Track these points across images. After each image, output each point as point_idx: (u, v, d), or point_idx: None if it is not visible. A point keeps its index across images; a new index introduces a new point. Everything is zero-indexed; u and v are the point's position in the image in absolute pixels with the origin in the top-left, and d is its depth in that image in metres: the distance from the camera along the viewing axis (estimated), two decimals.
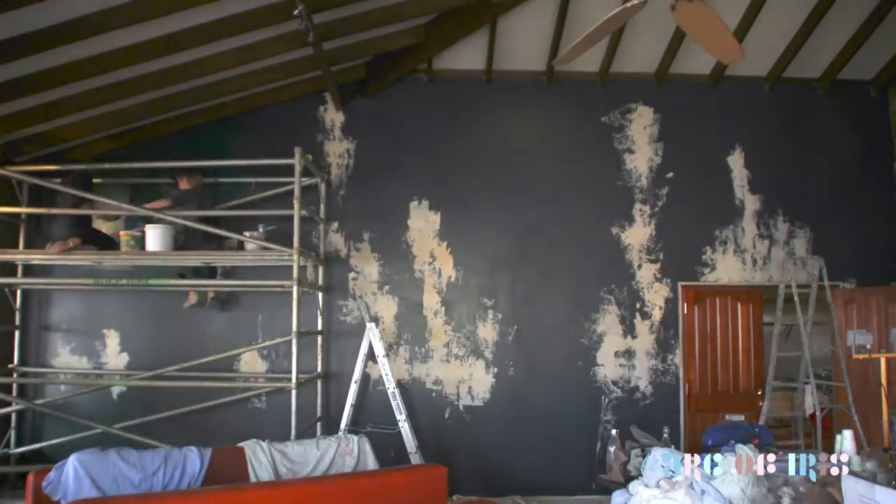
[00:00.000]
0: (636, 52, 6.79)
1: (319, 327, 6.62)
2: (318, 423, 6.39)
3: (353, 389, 6.33)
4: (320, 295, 6.64)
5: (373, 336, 6.25)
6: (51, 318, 6.65)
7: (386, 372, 6.13)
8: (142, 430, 5.97)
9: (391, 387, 6.11)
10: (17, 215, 6.51)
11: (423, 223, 6.90)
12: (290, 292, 5.56)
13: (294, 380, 5.44)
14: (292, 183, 5.78)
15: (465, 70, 7.02)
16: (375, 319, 6.57)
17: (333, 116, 6.96)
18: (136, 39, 5.08)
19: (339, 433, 6.02)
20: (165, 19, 4.87)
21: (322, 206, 6.76)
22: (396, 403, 6.08)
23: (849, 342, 6.09)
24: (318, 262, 6.64)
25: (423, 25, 6.37)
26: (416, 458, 5.99)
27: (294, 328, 5.46)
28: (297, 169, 5.67)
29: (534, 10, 6.29)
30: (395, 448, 6.18)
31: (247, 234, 6.07)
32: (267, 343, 6.09)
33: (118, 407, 6.44)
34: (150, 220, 5.93)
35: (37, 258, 6.13)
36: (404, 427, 6.06)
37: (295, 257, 5.57)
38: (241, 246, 6.20)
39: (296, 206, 5.61)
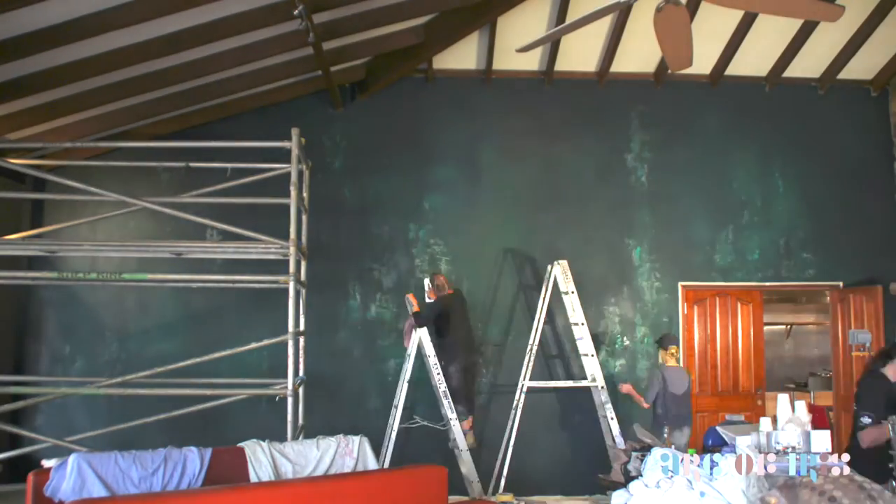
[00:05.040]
0: (636, 52, 6.79)
1: (302, 326, 6.46)
2: (302, 433, 5.85)
3: (404, 390, 6.20)
4: (303, 291, 6.37)
5: (423, 336, 6.15)
6: (57, 317, 6.65)
7: (438, 371, 6.11)
8: (137, 432, 5.85)
9: (443, 386, 6.10)
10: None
11: (422, 224, 6.90)
12: (271, 288, 5.33)
13: (290, 386, 5.04)
14: (274, 170, 5.45)
15: (464, 70, 7.03)
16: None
17: (333, 116, 6.96)
18: (136, 39, 5.08)
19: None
20: (165, 19, 4.87)
21: (306, 195, 6.15)
22: (448, 402, 6.07)
23: (850, 340, 6.09)
24: (302, 255, 6.05)
25: (423, 25, 6.37)
26: (465, 457, 6.01)
27: (290, 328, 5.11)
28: (295, 153, 5.23)
29: (533, 10, 6.29)
30: (406, 447, 6.18)
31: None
32: (254, 345, 5.41)
33: (112, 409, 6.43)
34: None
35: None
36: (456, 425, 6.07)
37: (291, 250, 5.14)
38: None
39: (292, 192, 5.16)
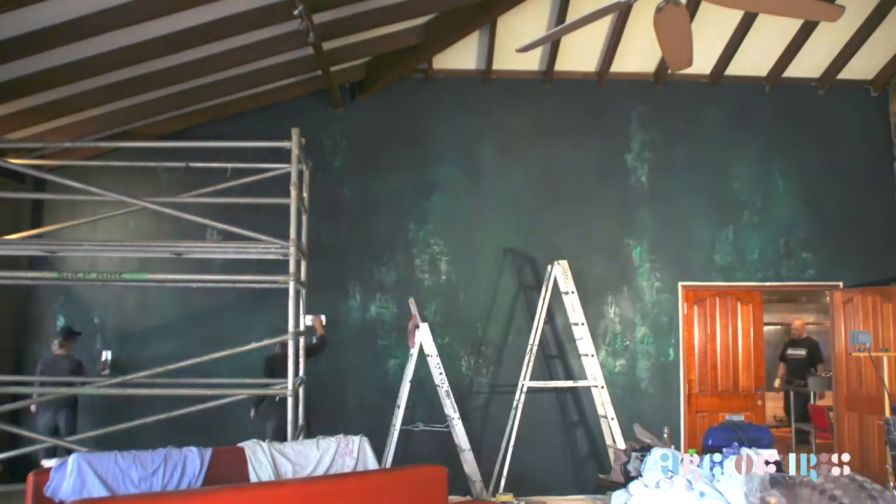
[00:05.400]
0: (636, 52, 6.79)
1: (302, 327, 6.45)
2: (301, 434, 5.85)
3: (406, 389, 6.16)
4: (303, 291, 6.39)
5: (425, 335, 6.13)
6: (55, 318, 6.65)
7: (441, 371, 6.08)
8: (137, 433, 5.82)
9: (445, 385, 6.07)
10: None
11: (422, 224, 6.91)
12: (271, 288, 5.35)
13: (291, 386, 5.05)
14: (274, 169, 5.50)
15: (464, 70, 7.03)
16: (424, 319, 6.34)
17: (333, 116, 6.96)
18: (136, 39, 5.08)
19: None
20: (165, 19, 4.88)
21: (306, 195, 6.19)
22: (450, 402, 6.03)
23: (851, 341, 6.08)
24: (301, 255, 6.08)
25: (423, 25, 6.37)
26: (467, 457, 5.97)
27: (291, 328, 5.13)
28: (295, 152, 5.24)
29: (533, 11, 6.29)
30: (408, 447, 6.18)
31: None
32: (254, 345, 5.45)
33: (111, 408, 6.43)
34: None
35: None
36: (458, 425, 6.01)
37: (291, 250, 5.15)
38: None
39: (292, 192, 5.17)
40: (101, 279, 5.54)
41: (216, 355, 5.16)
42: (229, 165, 5.76)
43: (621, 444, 5.87)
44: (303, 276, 5.95)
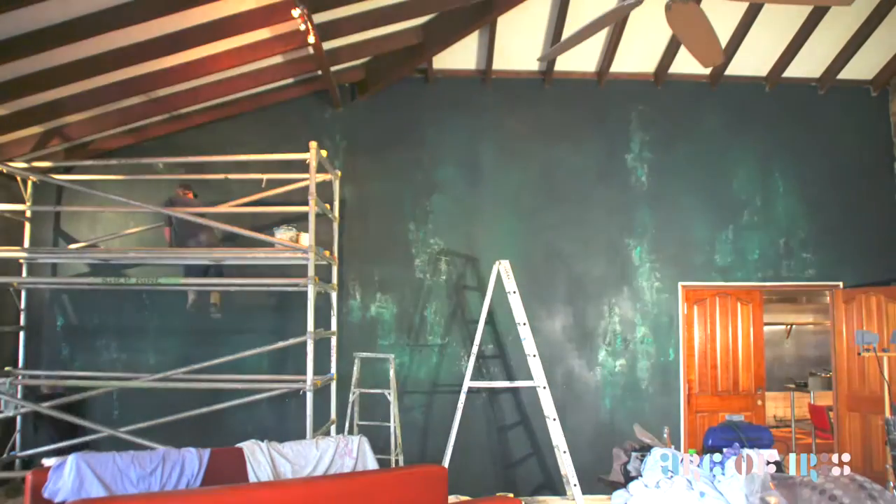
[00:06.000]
0: (636, 52, 6.79)
1: (333, 328, 6.60)
2: (333, 426, 6.35)
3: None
4: (334, 295, 6.61)
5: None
6: (56, 319, 6.66)
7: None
8: (148, 434, 5.83)
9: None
10: (22, 213, 6.58)
11: (422, 224, 6.90)
12: (304, 291, 5.61)
13: (309, 382, 5.39)
14: (304, 179, 5.85)
15: (464, 70, 7.03)
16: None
17: (333, 116, 6.96)
18: (136, 39, 5.08)
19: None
20: (165, 19, 4.87)
21: (336, 203, 6.70)
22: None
23: (857, 341, 6.07)
24: (332, 260, 6.59)
25: (423, 25, 6.37)
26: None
27: (309, 328, 5.44)
28: (313, 164, 5.66)
29: (533, 11, 6.28)
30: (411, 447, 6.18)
31: (278, 231, 6.15)
32: (280, 344, 5.77)
33: (123, 410, 6.44)
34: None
35: (43, 257, 6.33)
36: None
37: (310, 256, 5.56)
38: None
39: (311, 202, 5.58)
40: (139, 283, 6.09)
41: (241, 355, 5.71)
42: (264, 177, 6.40)
43: (563, 445, 5.86)
44: (334, 280, 6.62)
